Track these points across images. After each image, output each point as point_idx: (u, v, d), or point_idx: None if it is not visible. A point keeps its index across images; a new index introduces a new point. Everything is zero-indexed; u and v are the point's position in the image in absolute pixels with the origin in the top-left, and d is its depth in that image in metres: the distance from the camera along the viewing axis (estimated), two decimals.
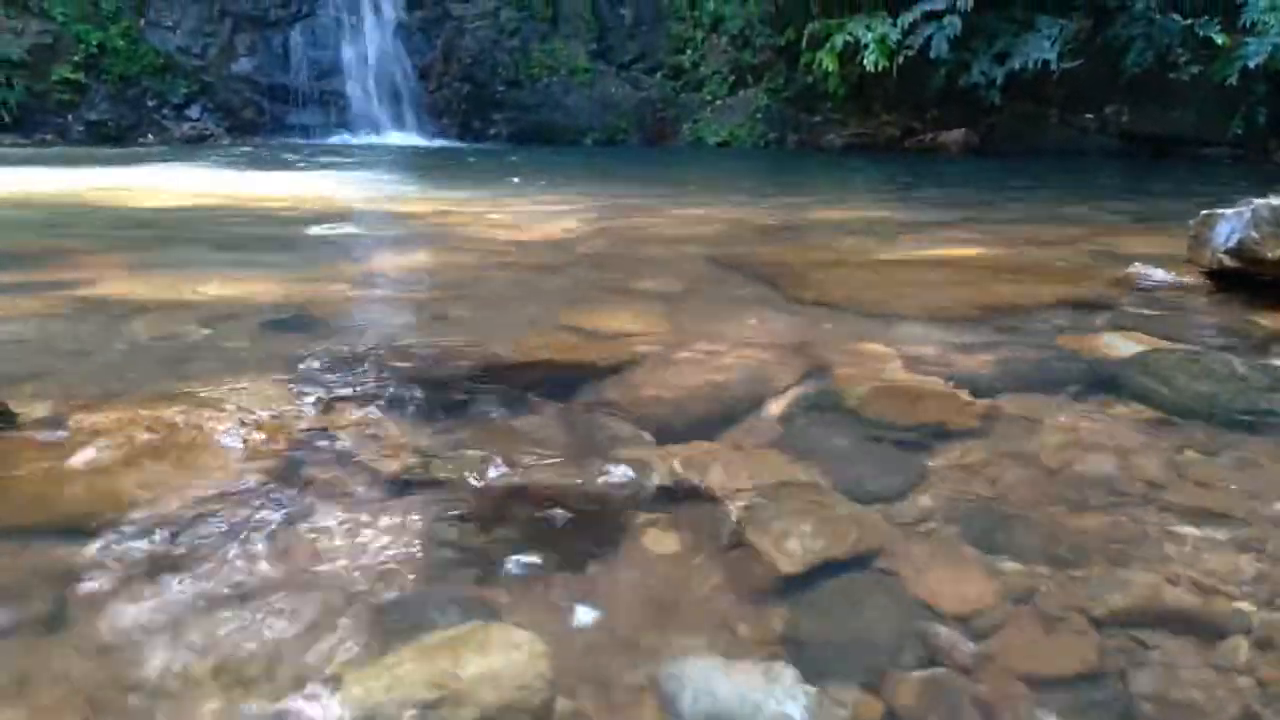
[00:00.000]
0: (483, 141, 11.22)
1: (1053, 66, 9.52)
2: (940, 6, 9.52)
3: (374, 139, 10.75)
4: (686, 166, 8.67)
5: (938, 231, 3.26)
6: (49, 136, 9.86)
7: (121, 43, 10.32)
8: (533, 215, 3.63)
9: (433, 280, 2.15)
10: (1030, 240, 2.96)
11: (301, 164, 7.00)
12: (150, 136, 10.32)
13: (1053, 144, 10.47)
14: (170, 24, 10.60)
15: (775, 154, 10.90)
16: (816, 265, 2.45)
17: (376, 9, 11.11)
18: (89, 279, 2.05)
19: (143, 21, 10.52)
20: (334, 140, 10.60)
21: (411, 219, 3.44)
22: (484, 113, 11.35)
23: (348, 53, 10.98)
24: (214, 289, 1.96)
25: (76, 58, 10.08)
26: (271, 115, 10.76)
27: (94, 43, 10.15)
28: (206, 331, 1.60)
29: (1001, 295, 2.05)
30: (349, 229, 3.22)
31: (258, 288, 1.97)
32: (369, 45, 11.03)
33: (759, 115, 11.96)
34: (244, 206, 3.81)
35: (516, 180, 5.74)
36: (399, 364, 1.39)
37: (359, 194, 4.56)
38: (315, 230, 3.02)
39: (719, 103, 12.23)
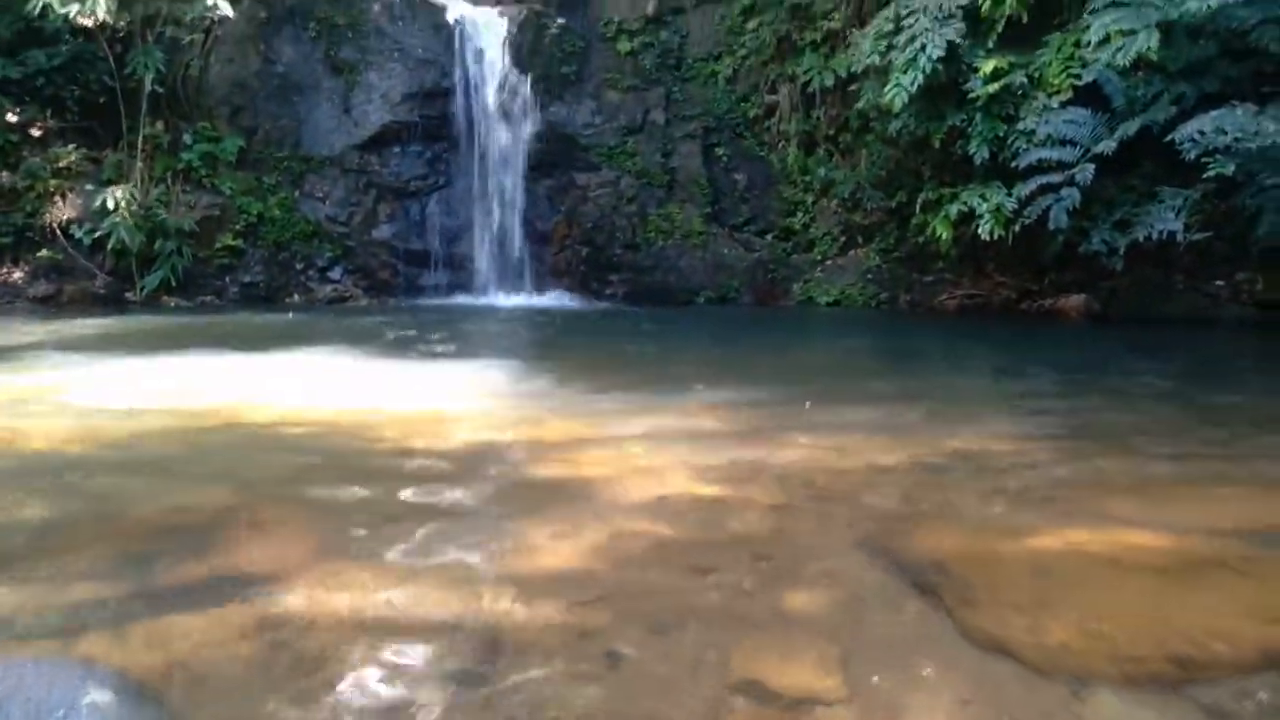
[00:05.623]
0: (600, 300, 11.68)
1: (1179, 238, 9.31)
2: (1057, 179, 9.53)
3: (500, 300, 11.37)
4: (803, 341, 8.75)
5: (1094, 487, 3.16)
6: (208, 297, 10.82)
7: (278, 212, 11.36)
8: (664, 443, 3.71)
9: (586, 584, 2.19)
10: (1197, 514, 2.83)
11: (432, 344, 7.39)
12: (296, 297, 11.18)
13: (1180, 312, 10.12)
14: (321, 195, 11.64)
15: (888, 317, 10.91)
16: (976, 561, 2.40)
17: (506, 179, 11.94)
18: (263, 578, 2.19)
19: (298, 193, 11.59)
20: (462, 300, 11.26)
21: (543, 460, 3.54)
22: (602, 274, 11.87)
23: (478, 219, 11.78)
24: (389, 600, 2.06)
25: (238, 226, 11.14)
26: (405, 278, 11.55)
27: (254, 213, 11.21)
28: (402, 688, 1.67)
29: (1190, 630, 1.94)
30: (486, 479, 3.28)
31: (429, 608, 2.04)
32: (498, 213, 11.82)
33: (870, 276, 12.06)
34: (383, 435, 3.93)
35: (638, 371, 5.90)
36: None
37: (487, 409, 4.71)
38: (455, 489, 3.14)
39: (829, 263, 12.43)
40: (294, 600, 2.07)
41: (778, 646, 1.87)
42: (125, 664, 1.69)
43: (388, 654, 1.80)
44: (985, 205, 9.89)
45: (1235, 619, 2.01)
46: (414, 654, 1.81)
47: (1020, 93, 9.70)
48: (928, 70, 9.66)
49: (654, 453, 3.58)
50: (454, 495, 3.05)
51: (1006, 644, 1.89)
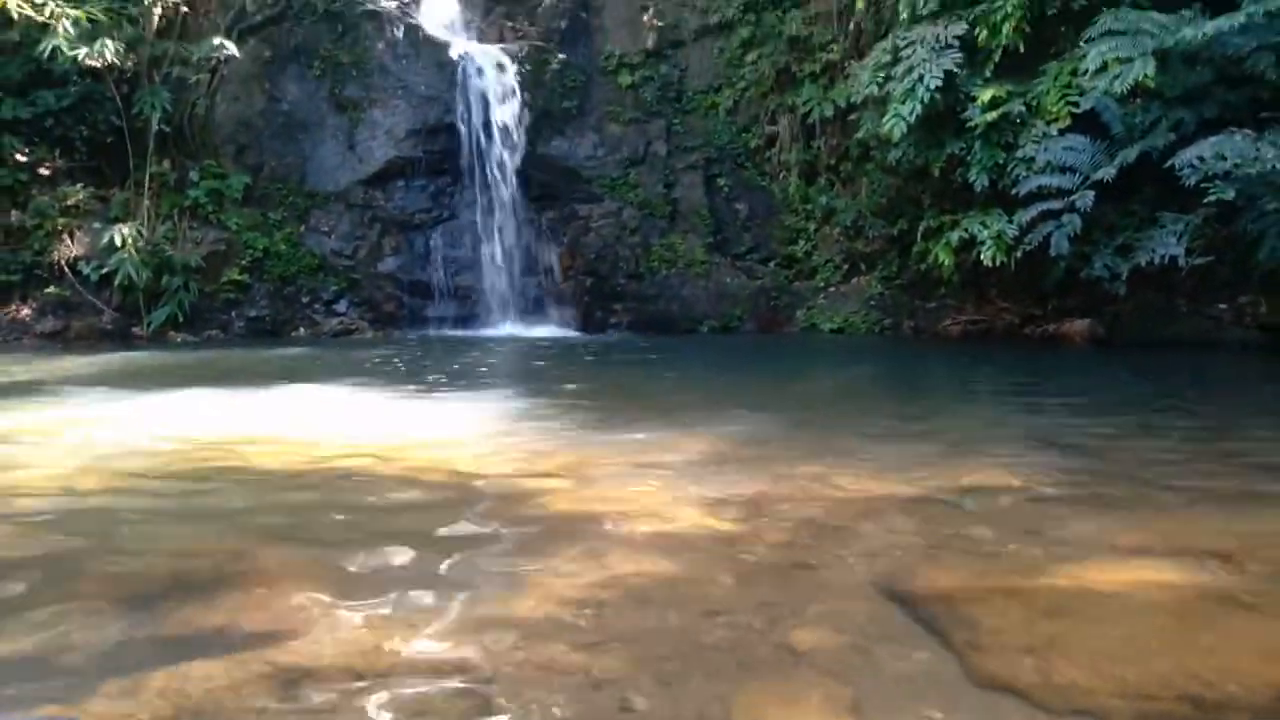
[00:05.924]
0: (604, 331, 11.72)
1: (1181, 263, 9.32)
2: (1058, 206, 9.58)
3: (503, 331, 11.43)
4: (807, 369, 8.74)
5: (1103, 521, 3.14)
6: (215, 332, 10.88)
7: (284, 247, 11.46)
8: (671, 476, 3.70)
9: (596, 631, 2.18)
10: (1210, 548, 2.80)
11: (437, 377, 7.41)
12: (301, 330, 11.23)
13: (1184, 335, 10.12)
14: (327, 229, 11.75)
15: (892, 344, 10.92)
16: (984, 598, 2.38)
17: (509, 211, 12.04)
18: (269, 624, 2.18)
19: (303, 228, 11.69)
20: (467, 331, 11.31)
21: (549, 496, 3.52)
22: (606, 304, 11.93)
23: (482, 251, 11.89)
24: (399, 646, 2.05)
25: (244, 261, 11.23)
26: (410, 309, 11.62)
27: (260, 248, 11.31)
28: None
29: (1204, 671, 1.92)
30: (493, 518, 3.29)
31: (440, 654, 2.03)
32: (501, 244, 11.91)
33: (873, 302, 12.10)
34: (389, 473, 3.99)
35: (644, 402, 5.90)
36: None
37: (494, 444, 4.71)
38: (464, 528, 3.13)
39: (832, 290, 12.47)
40: (303, 648, 2.06)
41: (785, 689, 1.85)
42: (133, 717, 1.69)
43: (400, 703, 1.79)
44: (986, 232, 9.93)
45: (1250, 659, 1.99)
46: (427, 703, 1.79)
47: (1019, 121, 9.78)
48: (926, 100, 9.75)
49: (661, 487, 3.57)
50: (462, 535, 3.04)
51: (1016, 684, 1.88)
